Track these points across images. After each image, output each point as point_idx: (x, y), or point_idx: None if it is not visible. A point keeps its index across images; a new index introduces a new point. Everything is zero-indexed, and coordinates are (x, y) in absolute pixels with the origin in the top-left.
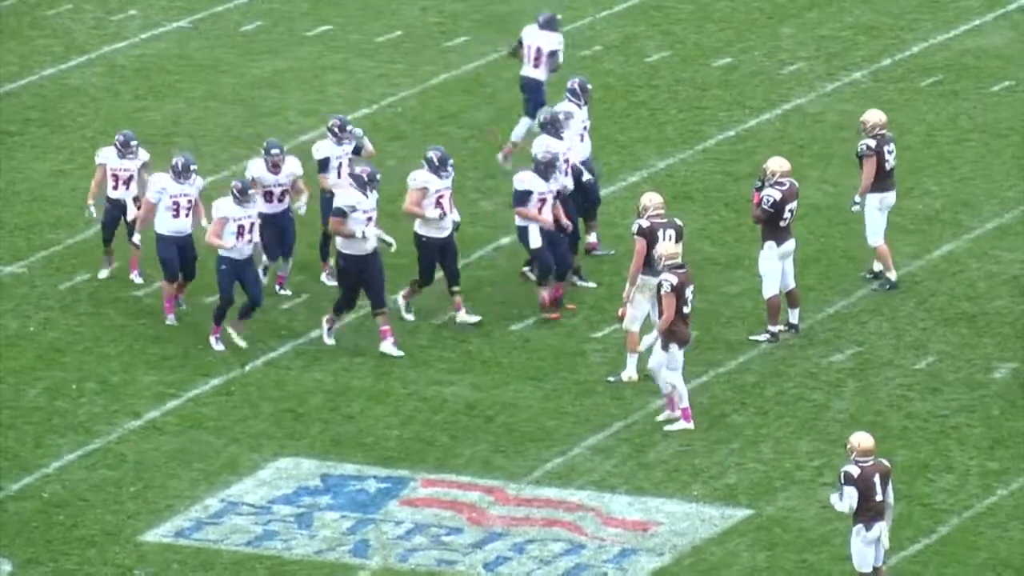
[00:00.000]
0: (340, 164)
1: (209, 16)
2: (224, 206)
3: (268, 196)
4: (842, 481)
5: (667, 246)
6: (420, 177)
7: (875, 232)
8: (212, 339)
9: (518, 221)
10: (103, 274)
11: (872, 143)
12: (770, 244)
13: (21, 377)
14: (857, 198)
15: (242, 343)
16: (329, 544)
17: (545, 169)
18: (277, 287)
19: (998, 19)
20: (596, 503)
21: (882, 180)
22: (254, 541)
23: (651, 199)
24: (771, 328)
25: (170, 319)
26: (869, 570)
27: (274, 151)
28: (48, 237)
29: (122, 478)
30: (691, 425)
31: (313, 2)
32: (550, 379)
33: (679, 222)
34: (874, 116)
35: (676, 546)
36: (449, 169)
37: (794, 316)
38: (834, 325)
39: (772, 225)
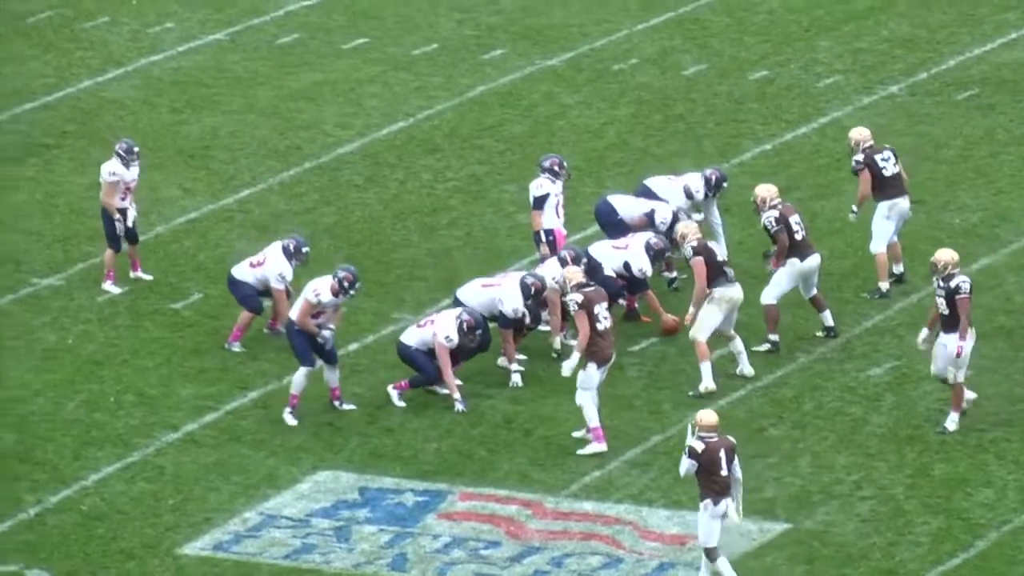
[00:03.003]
0: (557, 203)
1: (246, 28)
2: (449, 332)
3: (318, 315)
4: (686, 454)
5: (571, 270)
6: (544, 186)
7: (878, 238)
8: (394, 392)
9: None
10: (117, 289)
11: (861, 157)
12: (793, 260)
13: (59, 390)
14: (854, 207)
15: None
16: (367, 557)
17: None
18: (335, 402)
19: None
20: (634, 517)
21: (886, 188)
22: (292, 554)
23: (688, 227)
24: (771, 337)
25: (235, 347)
26: (714, 544)
27: (355, 286)
28: (86, 250)
29: (161, 491)
30: (603, 446)
31: (350, 15)
32: None
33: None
34: (856, 134)
35: None
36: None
37: (828, 319)
38: (872, 339)
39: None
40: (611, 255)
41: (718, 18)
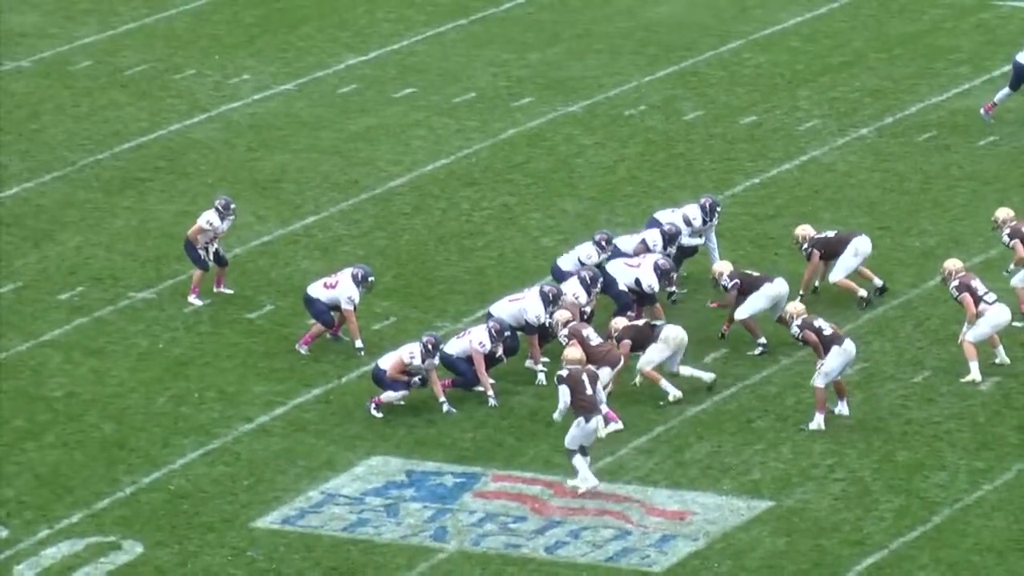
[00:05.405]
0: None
1: (312, 80)
2: (482, 338)
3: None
4: (556, 383)
5: (561, 314)
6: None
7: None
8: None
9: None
10: (199, 302)
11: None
12: (768, 286)
13: (151, 387)
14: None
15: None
16: (413, 530)
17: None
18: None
19: (984, 83)
20: (640, 496)
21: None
22: (349, 527)
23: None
24: (760, 340)
25: (303, 349)
26: (576, 448)
27: (438, 348)
28: (174, 268)
29: (237, 473)
30: (620, 424)
31: (400, 69)
32: None
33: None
34: (801, 229)
35: (709, 532)
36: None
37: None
38: None
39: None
40: (624, 272)
41: (713, 71)
